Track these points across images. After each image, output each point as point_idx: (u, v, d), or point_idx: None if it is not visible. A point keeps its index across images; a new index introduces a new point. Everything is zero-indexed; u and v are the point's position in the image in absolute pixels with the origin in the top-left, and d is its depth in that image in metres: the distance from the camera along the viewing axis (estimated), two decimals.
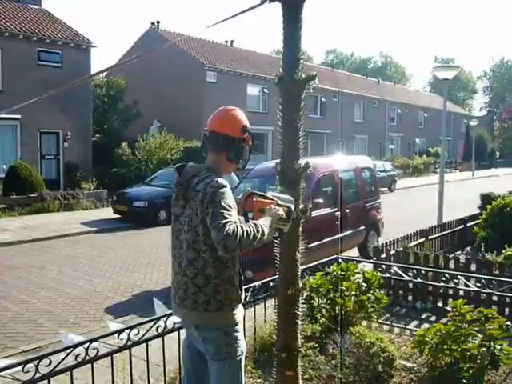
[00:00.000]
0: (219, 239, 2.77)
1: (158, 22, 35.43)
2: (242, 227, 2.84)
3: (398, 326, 6.52)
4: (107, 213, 19.01)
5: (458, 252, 11.15)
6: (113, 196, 19.28)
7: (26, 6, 25.36)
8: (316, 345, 5.12)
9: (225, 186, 3.01)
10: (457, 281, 6.35)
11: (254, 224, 2.93)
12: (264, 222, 2.98)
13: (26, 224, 16.73)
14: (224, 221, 2.82)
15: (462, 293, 6.84)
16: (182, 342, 3.51)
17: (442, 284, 6.68)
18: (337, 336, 5.19)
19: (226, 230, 2.77)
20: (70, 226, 16.53)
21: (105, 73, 32.07)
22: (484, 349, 4.36)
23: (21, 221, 17.37)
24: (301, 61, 3.05)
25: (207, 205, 2.93)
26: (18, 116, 21.76)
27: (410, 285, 7.44)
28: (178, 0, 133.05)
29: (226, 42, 40.94)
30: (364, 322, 5.98)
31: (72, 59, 23.90)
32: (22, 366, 3.33)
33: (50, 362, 3.44)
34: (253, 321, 5.37)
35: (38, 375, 3.38)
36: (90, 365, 3.75)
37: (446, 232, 11.58)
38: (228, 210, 2.90)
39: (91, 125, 26.22)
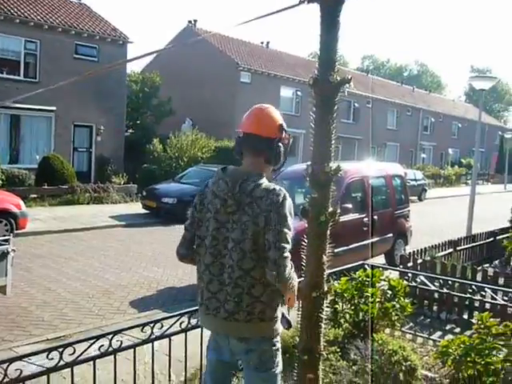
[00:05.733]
0: (278, 276, 2.75)
1: (195, 21, 35.65)
2: (292, 268, 2.84)
3: (421, 336, 6.45)
4: (136, 208, 19.21)
5: (487, 265, 10.98)
6: (142, 191, 19.44)
7: (66, 0, 25.74)
8: (338, 349, 5.09)
9: (287, 196, 2.92)
10: (483, 293, 6.25)
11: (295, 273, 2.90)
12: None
13: (55, 215, 16.98)
14: (286, 254, 2.77)
15: (488, 306, 6.72)
16: (209, 354, 3.22)
17: (468, 296, 6.59)
18: (359, 342, 5.16)
19: (286, 265, 2.76)
20: (99, 219, 16.73)
21: (140, 69, 32.40)
22: (508, 364, 4.28)
23: (51, 211, 17.64)
24: (336, 63, 3.03)
25: (272, 215, 2.81)
26: (54, 108, 22.10)
27: (436, 295, 7.35)
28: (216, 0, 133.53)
29: (262, 43, 40.95)
30: (387, 330, 5.93)
31: (108, 54, 24.14)
32: (46, 353, 3.38)
33: (74, 351, 3.48)
34: None
35: (61, 363, 3.43)
36: (112, 356, 3.78)
37: (474, 244, 11.43)
38: (290, 230, 2.83)
39: (124, 120, 26.54)
